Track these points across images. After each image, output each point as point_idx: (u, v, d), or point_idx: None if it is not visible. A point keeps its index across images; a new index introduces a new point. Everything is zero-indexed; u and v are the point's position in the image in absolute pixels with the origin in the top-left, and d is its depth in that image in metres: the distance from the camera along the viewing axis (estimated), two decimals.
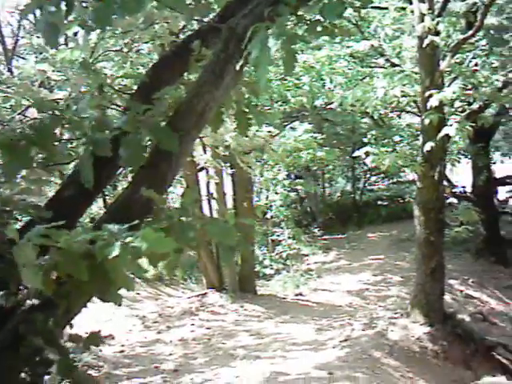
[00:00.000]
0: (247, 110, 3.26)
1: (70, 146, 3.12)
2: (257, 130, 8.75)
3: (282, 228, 14.71)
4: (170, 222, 2.38)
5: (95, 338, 2.83)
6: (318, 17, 2.65)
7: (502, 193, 18.12)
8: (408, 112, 11.55)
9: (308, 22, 2.70)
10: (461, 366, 8.77)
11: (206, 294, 12.19)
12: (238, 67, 2.74)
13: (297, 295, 13.04)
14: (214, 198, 12.24)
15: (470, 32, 8.35)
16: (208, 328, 10.38)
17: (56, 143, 3.00)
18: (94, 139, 2.77)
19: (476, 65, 9.80)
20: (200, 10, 3.32)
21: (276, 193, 14.64)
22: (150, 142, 2.91)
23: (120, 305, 2.23)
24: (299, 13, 2.72)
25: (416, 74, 8.90)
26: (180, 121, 2.82)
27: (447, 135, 7.98)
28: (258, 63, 2.47)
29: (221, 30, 2.88)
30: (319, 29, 2.69)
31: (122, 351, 8.90)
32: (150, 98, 3.00)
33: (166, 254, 2.15)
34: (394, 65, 10.17)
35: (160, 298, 12.52)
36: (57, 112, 3.09)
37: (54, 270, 2.11)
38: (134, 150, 2.73)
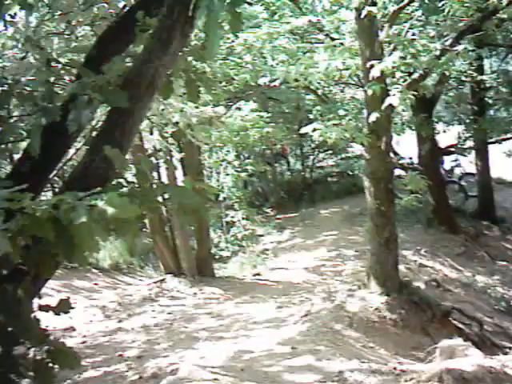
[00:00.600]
0: (195, 78, 3.25)
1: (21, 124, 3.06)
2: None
3: (235, 210, 14.72)
4: (131, 187, 2.36)
5: (65, 305, 2.80)
6: None
7: (448, 162, 18.48)
8: (351, 85, 11.65)
9: None
10: (419, 332, 8.98)
11: (164, 279, 12.15)
12: (184, 33, 2.74)
13: (255, 275, 13.10)
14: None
15: (405, 1, 8.46)
16: (169, 313, 10.35)
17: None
18: (43, 107, 2.73)
19: (413, 35, 9.95)
20: None
21: (227, 174, 14.64)
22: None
23: (86, 266, 2.22)
24: None
25: (356, 46, 8.99)
26: (130, 88, 2.80)
27: (391, 105, 8.08)
28: (207, 28, 2.46)
29: None
30: None
31: (84, 342, 8.79)
32: (98, 70, 2.96)
33: (130, 221, 2.13)
34: (333, 39, 10.24)
35: (119, 287, 12.42)
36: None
37: (21, 234, 2.08)
38: (83, 110, 2.69)
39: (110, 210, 1.99)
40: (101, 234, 2.07)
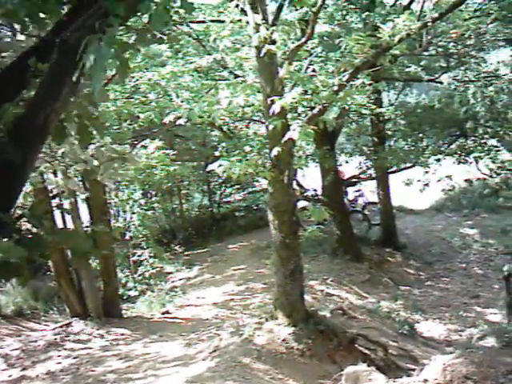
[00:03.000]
0: (88, 123, 3.27)
1: None
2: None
3: (142, 248, 14.57)
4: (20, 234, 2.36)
5: None
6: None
7: (351, 192, 19.02)
8: (255, 121, 11.87)
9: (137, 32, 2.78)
10: (326, 360, 9.14)
11: (70, 323, 11.77)
12: (74, 79, 2.77)
13: (163, 314, 12.94)
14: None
15: (303, 39, 8.73)
16: (75, 357, 10.09)
17: None
18: None
19: (314, 71, 10.28)
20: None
21: (133, 213, 14.50)
22: None
23: None
24: (129, 23, 2.79)
25: (257, 82, 9.20)
26: (22, 134, 2.80)
27: (292, 139, 8.28)
28: (92, 72, 2.52)
29: (55, 44, 2.89)
30: (148, 37, 2.77)
31: None
32: None
33: (20, 265, 2.13)
34: (237, 76, 10.45)
35: (22, 334, 11.97)
36: None
37: None
38: None
39: None
40: None
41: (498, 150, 15.60)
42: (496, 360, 7.84)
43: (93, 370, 9.26)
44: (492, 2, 13.05)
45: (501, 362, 7.77)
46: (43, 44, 3.22)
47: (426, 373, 8.15)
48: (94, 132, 3.41)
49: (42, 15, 3.17)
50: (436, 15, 9.04)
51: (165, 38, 2.88)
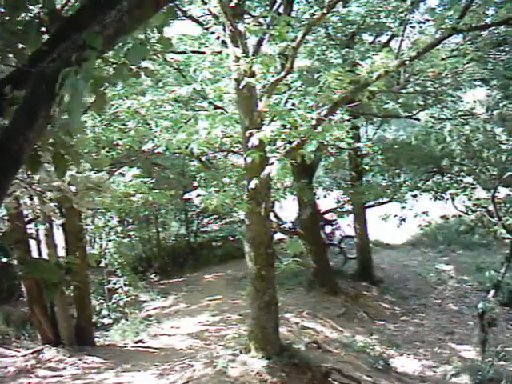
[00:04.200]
0: (64, 152, 3.28)
1: None
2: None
3: (117, 276, 14.47)
4: None
5: None
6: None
7: (328, 226, 19.12)
8: (233, 152, 11.93)
9: (114, 66, 2.81)
10: None
11: (41, 350, 11.61)
12: (49, 110, 2.79)
13: (137, 342, 12.83)
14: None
15: (282, 73, 8.81)
16: None
17: None
18: None
19: (293, 104, 10.37)
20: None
21: (109, 240, 14.42)
22: None
23: None
24: (105, 56, 2.83)
25: (236, 114, 9.27)
26: None
27: (269, 173, 8.32)
28: (70, 107, 2.54)
29: (31, 74, 2.91)
30: (125, 71, 2.80)
31: None
32: None
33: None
34: (216, 107, 10.52)
35: None
36: None
37: None
38: None
39: None
40: None
41: (474, 188, 15.78)
42: None
43: None
44: (468, 42, 13.31)
45: None
46: (20, 73, 3.23)
47: None
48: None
49: (20, 45, 3.20)
50: (414, 54, 9.17)
51: (141, 72, 2.91)
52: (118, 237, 14.45)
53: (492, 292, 12.14)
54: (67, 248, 12.41)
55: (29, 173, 5.04)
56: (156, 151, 11.06)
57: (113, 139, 11.44)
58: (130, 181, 11.96)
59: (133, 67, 2.81)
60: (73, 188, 9.03)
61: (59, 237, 12.42)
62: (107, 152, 11.67)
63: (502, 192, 13.22)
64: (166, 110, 11.03)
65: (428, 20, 12.63)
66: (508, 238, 12.82)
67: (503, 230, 12.44)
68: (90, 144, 10.44)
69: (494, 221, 13.02)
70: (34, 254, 11.68)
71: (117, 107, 11.24)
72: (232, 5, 8.46)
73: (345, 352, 11.65)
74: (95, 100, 2.61)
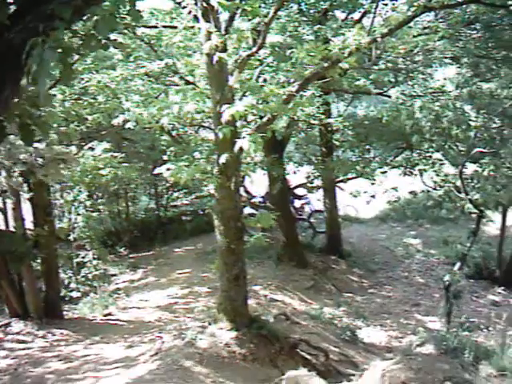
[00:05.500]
0: (30, 122, 3.26)
1: None
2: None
3: (86, 249, 14.40)
4: None
5: None
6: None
7: (298, 201, 19.23)
8: (204, 127, 11.90)
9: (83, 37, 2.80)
10: (268, 365, 9.25)
11: (9, 323, 11.56)
12: (16, 81, 2.78)
13: (106, 316, 12.83)
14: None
15: (254, 49, 8.80)
16: (14, 358, 9.93)
17: None
18: None
19: (265, 80, 10.37)
20: None
21: (78, 214, 14.32)
22: None
23: None
24: (74, 27, 2.82)
25: (208, 89, 9.24)
26: None
27: (241, 148, 8.33)
28: (37, 76, 2.54)
29: None
30: (94, 43, 2.80)
31: None
32: None
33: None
34: (188, 82, 10.46)
35: None
36: None
37: None
38: None
39: None
40: None
41: (442, 164, 15.95)
42: (434, 366, 8.04)
43: (32, 371, 9.14)
44: (440, 20, 13.41)
45: (439, 369, 7.97)
46: None
47: (365, 378, 8.33)
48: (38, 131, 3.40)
49: None
50: (385, 31, 9.24)
51: (110, 44, 2.91)
52: (87, 211, 14.32)
53: (458, 265, 12.38)
54: (35, 222, 12.29)
55: None
56: (126, 126, 10.98)
57: (82, 113, 11.34)
58: (100, 155, 11.90)
59: (101, 39, 2.80)
60: (40, 160, 9.01)
61: (27, 211, 12.33)
62: (76, 126, 11.59)
63: (470, 168, 13.39)
64: (137, 85, 10.96)
65: None
66: (474, 213, 13.04)
67: (470, 205, 12.63)
68: (58, 118, 10.35)
69: (461, 196, 13.22)
70: (1, 227, 11.60)
71: (87, 81, 11.14)
72: None
73: (313, 324, 11.81)
74: (63, 71, 2.60)
